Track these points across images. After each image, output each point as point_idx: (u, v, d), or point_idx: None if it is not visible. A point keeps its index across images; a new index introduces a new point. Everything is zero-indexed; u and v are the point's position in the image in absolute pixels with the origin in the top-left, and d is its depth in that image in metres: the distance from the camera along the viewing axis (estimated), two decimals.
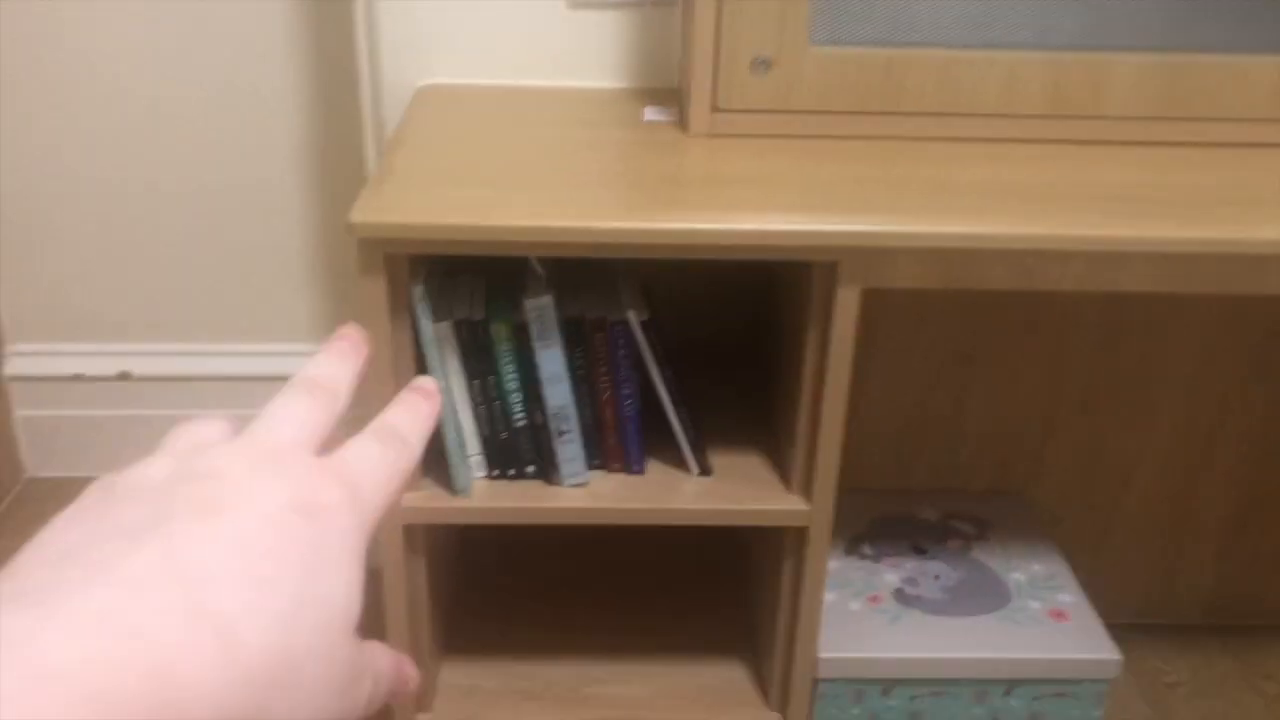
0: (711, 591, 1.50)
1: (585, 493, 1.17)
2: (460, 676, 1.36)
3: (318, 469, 0.33)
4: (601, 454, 1.19)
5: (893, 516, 1.49)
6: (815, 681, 1.25)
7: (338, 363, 0.38)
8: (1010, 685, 1.26)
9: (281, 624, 0.29)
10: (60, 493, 1.66)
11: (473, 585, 1.51)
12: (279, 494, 0.31)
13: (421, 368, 1.10)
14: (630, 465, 1.19)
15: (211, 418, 0.36)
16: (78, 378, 1.83)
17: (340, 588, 0.31)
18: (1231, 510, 1.56)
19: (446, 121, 1.27)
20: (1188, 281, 1.03)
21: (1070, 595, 1.34)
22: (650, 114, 1.30)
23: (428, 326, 1.07)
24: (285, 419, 0.35)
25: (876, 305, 1.43)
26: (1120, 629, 1.61)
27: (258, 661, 0.28)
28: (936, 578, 1.37)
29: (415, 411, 0.39)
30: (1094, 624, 1.29)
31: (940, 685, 1.26)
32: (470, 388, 1.12)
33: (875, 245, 1.02)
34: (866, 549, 1.42)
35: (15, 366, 1.83)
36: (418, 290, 1.05)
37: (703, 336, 1.50)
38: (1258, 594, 1.62)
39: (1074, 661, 1.25)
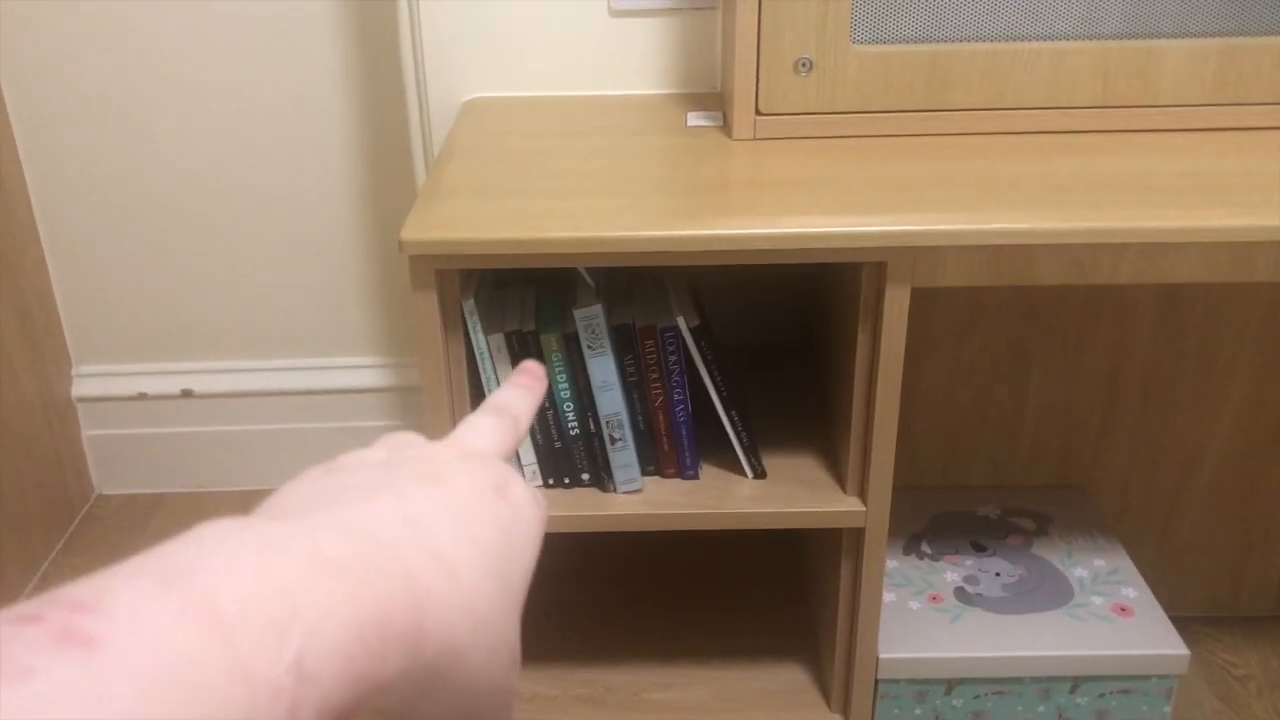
0: (770, 594, 1.50)
1: (640, 499, 1.17)
2: (520, 684, 1.37)
3: (508, 468, 0.38)
4: (656, 460, 1.20)
5: (952, 514, 1.47)
6: (877, 682, 1.25)
7: (520, 394, 0.43)
8: (1075, 682, 1.25)
9: (484, 576, 0.33)
10: (129, 509, 1.70)
11: (531, 593, 1.52)
12: (484, 478, 0.36)
13: (475, 380, 1.12)
14: (684, 470, 1.20)
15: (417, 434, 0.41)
16: (141, 396, 1.88)
17: (521, 566, 0.36)
18: None
19: (492, 134, 1.29)
20: (1244, 270, 1.02)
21: (1134, 589, 1.32)
22: (694, 119, 1.31)
23: (481, 339, 1.08)
24: (479, 430, 0.41)
25: (930, 300, 1.42)
26: (1187, 622, 1.59)
27: (471, 600, 0.31)
28: (997, 575, 1.36)
29: (528, 393, 0.44)
30: (1160, 618, 1.27)
31: (1004, 684, 1.25)
32: None
33: (923, 244, 1.01)
34: (925, 547, 1.42)
35: (81, 388, 1.88)
36: (469, 304, 1.06)
37: (753, 340, 1.50)
38: None
39: (1140, 658, 1.23)
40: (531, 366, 0.45)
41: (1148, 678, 1.24)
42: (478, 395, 1.13)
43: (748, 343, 1.49)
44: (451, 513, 0.33)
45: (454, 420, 1.11)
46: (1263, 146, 1.16)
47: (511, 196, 1.09)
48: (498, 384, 1.12)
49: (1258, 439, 1.49)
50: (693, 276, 1.35)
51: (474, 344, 1.08)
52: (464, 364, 1.10)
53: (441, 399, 1.09)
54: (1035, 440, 1.50)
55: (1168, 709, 1.26)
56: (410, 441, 0.39)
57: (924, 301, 1.42)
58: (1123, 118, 1.20)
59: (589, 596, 1.51)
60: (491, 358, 1.10)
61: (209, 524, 0.28)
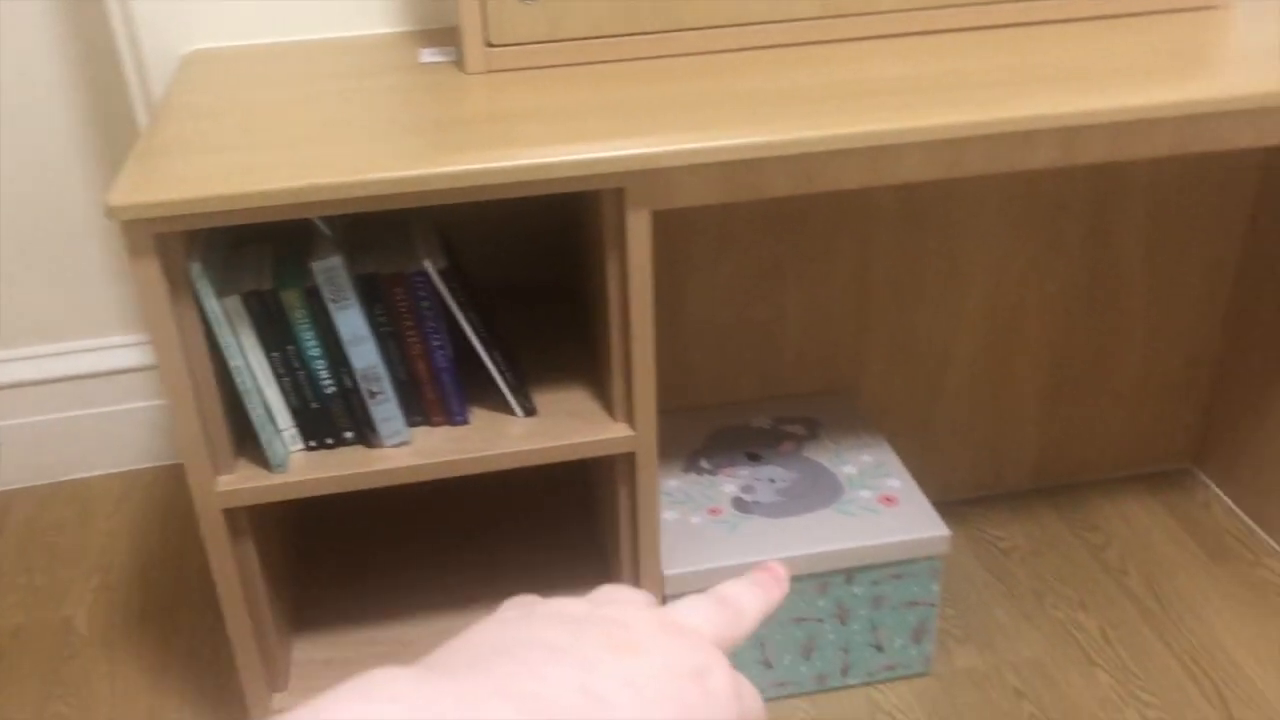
0: (560, 528, 1.51)
1: (409, 451, 1.15)
2: (315, 651, 1.34)
3: (716, 652, 0.34)
4: (422, 409, 1.18)
5: (727, 429, 1.51)
6: (664, 598, 1.28)
7: (751, 590, 0.39)
8: (850, 574, 1.31)
9: None
10: None
11: (319, 557, 1.48)
12: (683, 658, 0.33)
13: (217, 352, 1.07)
14: (453, 417, 1.18)
15: (637, 590, 0.38)
16: None
17: None
18: (1044, 379, 1.64)
19: (213, 87, 1.22)
20: (958, 166, 1.07)
21: (899, 480, 1.39)
22: (428, 56, 1.27)
23: (213, 304, 1.03)
24: (694, 610, 0.37)
25: (684, 224, 1.44)
26: (955, 505, 1.69)
27: None
28: (772, 481, 1.40)
29: (763, 590, 0.40)
30: (922, 504, 1.35)
31: None
32: (271, 360, 1.09)
33: (657, 166, 1.02)
34: (704, 464, 1.45)
35: None
36: (195, 267, 1.01)
37: (516, 277, 1.48)
38: (1077, 454, 1.71)
39: (906, 543, 1.30)
40: (773, 566, 0.41)
41: (915, 561, 1.32)
42: (222, 369, 1.07)
43: (512, 282, 1.48)
44: (635, 690, 0.31)
45: (198, 401, 1.06)
46: (973, 46, 1.22)
47: (234, 150, 1.04)
48: (240, 353, 1.07)
49: (1000, 328, 1.59)
50: (442, 219, 1.32)
51: (206, 310, 1.02)
52: (202, 333, 1.04)
53: (180, 374, 1.03)
54: (799, 350, 1.56)
55: (936, 587, 1.34)
56: (620, 598, 0.36)
57: (676, 225, 1.44)
58: (845, 26, 1.23)
59: (380, 554, 1.48)
60: (230, 322, 1.05)
61: (381, 674, 0.28)
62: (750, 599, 0.39)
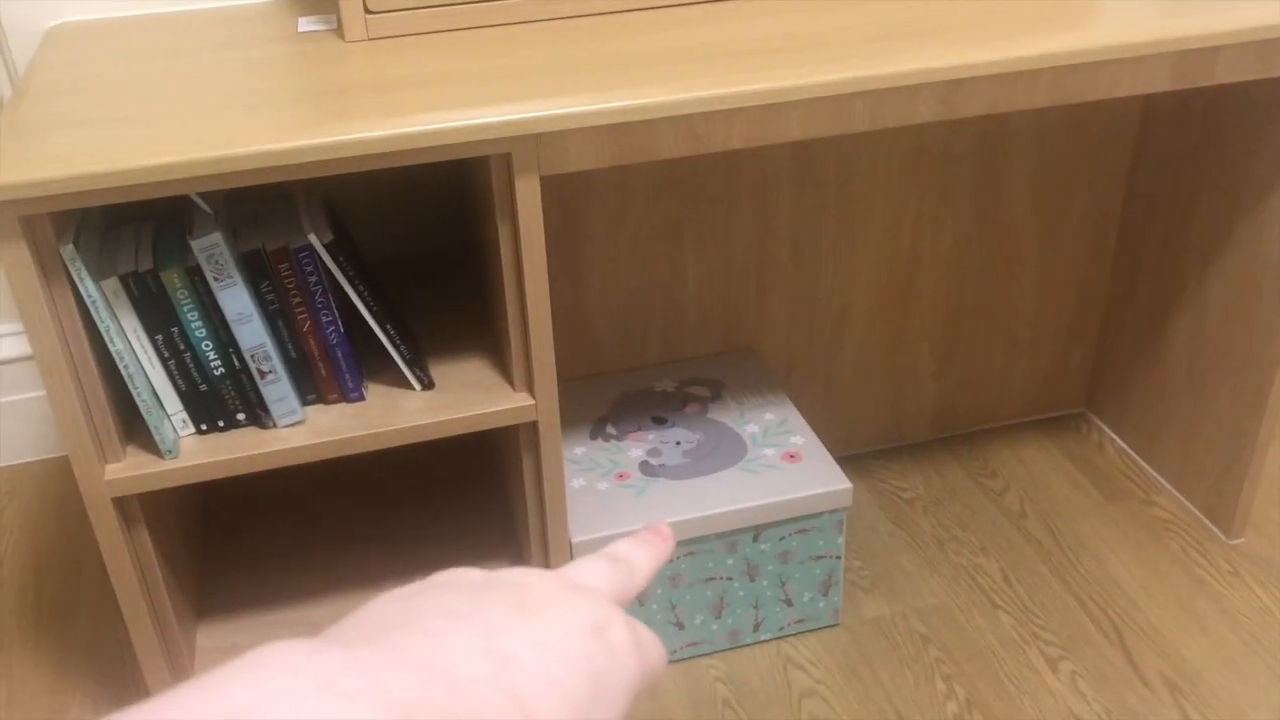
0: (469, 497, 1.50)
1: (304, 430, 1.13)
2: (219, 637, 1.32)
3: (614, 607, 0.35)
4: (316, 387, 1.15)
5: (633, 393, 1.51)
6: None
7: (642, 548, 0.40)
8: (757, 531, 1.32)
9: None
10: None
11: (222, 542, 1.45)
12: (584, 615, 0.33)
13: (97, 337, 1.03)
14: (348, 393, 1.16)
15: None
16: None
17: (612, 717, 0.32)
18: (940, 331, 1.67)
19: (81, 61, 1.17)
20: (845, 122, 1.07)
21: (801, 437, 1.41)
22: (306, 24, 1.24)
23: (90, 287, 0.99)
24: (590, 569, 0.38)
25: (581, 191, 1.43)
26: (859, 458, 1.72)
27: None
28: (678, 444, 1.41)
29: (651, 549, 0.41)
30: (824, 459, 1.36)
31: (692, 544, 1.31)
32: (155, 343, 1.06)
33: (544, 130, 1.00)
34: (610, 429, 1.45)
35: None
36: (68, 250, 0.97)
37: (411, 248, 1.46)
38: (974, 403, 1.75)
39: (810, 498, 1.32)
40: (660, 526, 0.42)
41: (819, 514, 1.33)
42: (103, 355, 1.04)
43: (407, 254, 1.46)
44: (539, 650, 0.31)
45: (79, 389, 1.02)
46: (854, 4, 1.22)
47: (104, 126, 1.00)
48: (121, 336, 1.03)
49: (896, 283, 1.61)
50: (331, 191, 1.29)
51: (82, 293, 0.99)
52: (79, 318, 1.00)
53: (58, 362, 0.99)
54: (701, 311, 1.56)
55: (841, 540, 1.36)
56: (516, 568, 0.37)
57: (572, 190, 1.42)
58: None
59: (281, 537, 1.46)
60: (108, 306, 1.02)
61: (274, 647, 0.27)
62: (640, 555, 0.40)
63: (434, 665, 0.29)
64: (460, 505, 1.49)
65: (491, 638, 0.30)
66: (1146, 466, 1.68)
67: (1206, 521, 1.58)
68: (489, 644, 0.30)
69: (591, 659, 0.32)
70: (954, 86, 1.08)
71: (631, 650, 0.34)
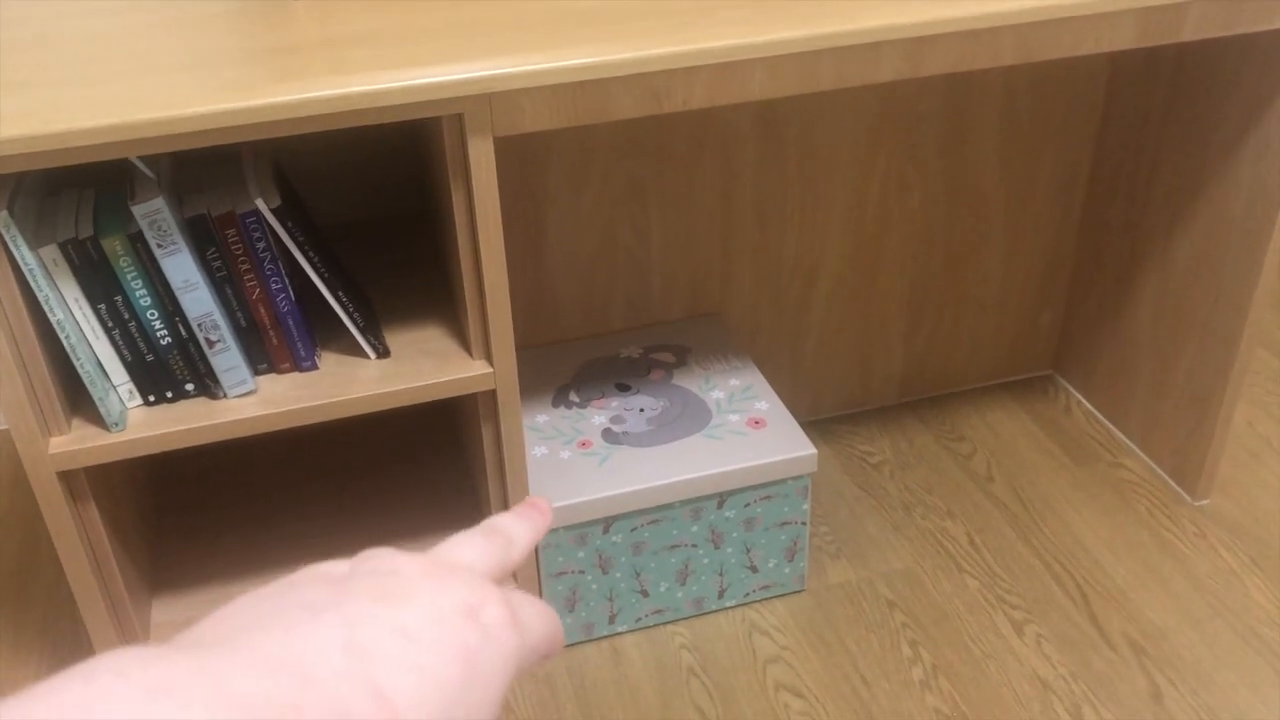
0: (429, 466, 1.48)
1: (255, 400, 1.10)
2: (173, 613, 1.29)
3: (488, 585, 0.34)
4: (267, 356, 1.12)
5: (597, 361, 1.49)
6: None
7: (519, 521, 0.40)
8: (721, 498, 1.31)
9: (436, 714, 0.29)
10: None
11: (176, 514, 1.42)
12: (454, 597, 0.32)
13: (37, 310, 0.99)
14: (300, 362, 1.13)
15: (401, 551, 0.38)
16: None
17: (488, 699, 0.31)
18: (908, 294, 1.65)
19: (12, 20, 1.12)
20: (810, 81, 1.05)
21: (766, 402, 1.39)
22: None
23: (26, 254, 0.96)
24: (462, 548, 0.37)
25: (541, 152, 1.40)
26: (826, 423, 1.71)
27: None
28: (641, 411, 1.39)
29: (529, 522, 0.41)
30: (789, 424, 1.35)
31: (656, 512, 1.29)
32: (98, 312, 1.02)
33: (496, 89, 0.97)
34: (574, 397, 1.43)
35: None
36: (3, 216, 0.93)
37: (366, 213, 1.43)
38: (942, 366, 1.74)
39: (774, 464, 1.30)
40: (538, 500, 0.42)
41: (784, 481, 1.32)
42: (43, 325, 1.01)
43: (362, 218, 1.42)
44: (402, 638, 0.30)
45: (19, 360, 0.99)
46: None
47: (38, 88, 0.96)
48: (62, 306, 1.00)
49: (863, 245, 1.59)
50: (281, 154, 1.26)
51: (19, 261, 0.95)
52: (15, 287, 0.97)
53: None
54: (665, 275, 1.54)
55: (806, 506, 1.35)
56: (382, 554, 0.35)
57: (532, 151, 1.39)
58: None
59: (237, 509, 1.43)
60: (47, 274, 0.98)
61: (109, 655, 0.26)
62: (518, 528, 0.39)
63: (285, 663, 0.28)
64: (420, 474, 1.47)
65: (351, 629, 0.29)
66: (1113, 429, 1.68)
67: (1173, 484, 1.58)
68: (349, 635, 0.29)
69: (463, 642, 0.31)
70: (919, 44, 1.06)
71: (507, 628, 0.33)
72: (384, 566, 0.32)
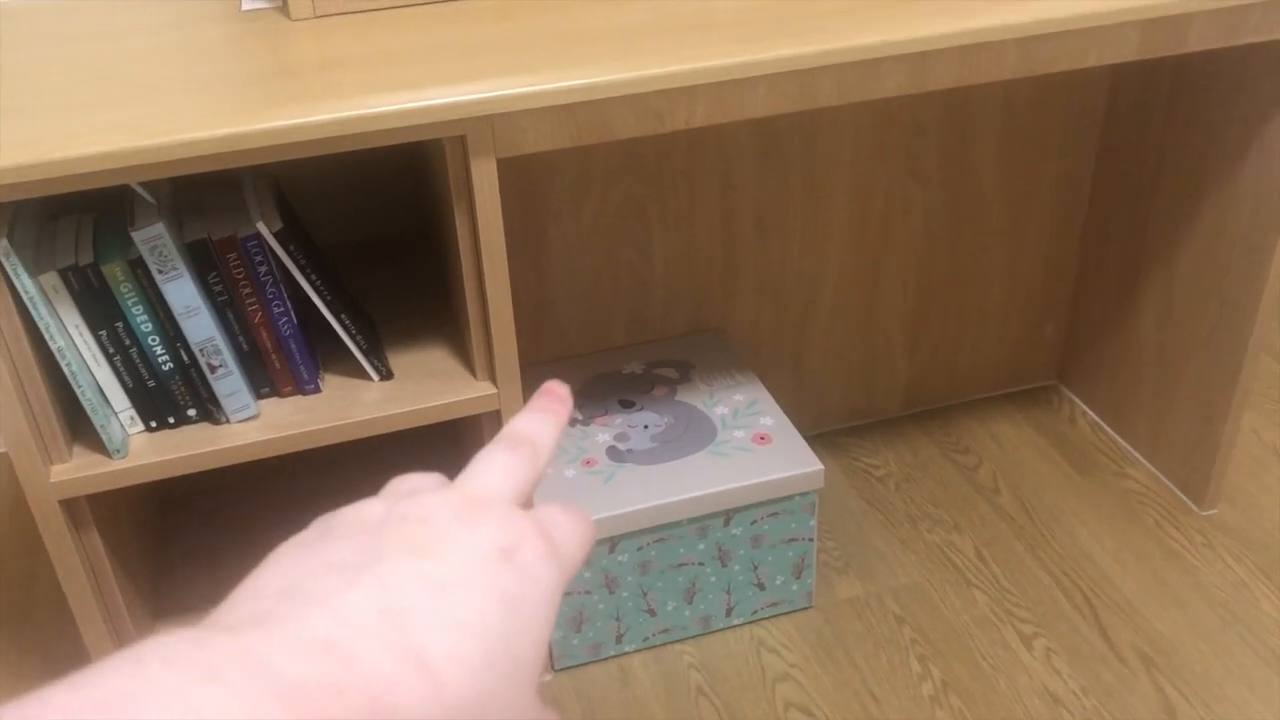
0: None
1: (257, 425, 1.09)
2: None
3: (522, 519, 0.33)
4: (269, 380, 1.12)
5: (599, 377, 1.48)
6: None
7: (539, 420, 0.39)
8: (728, 516, 1.30)
9: (477, 670, 0.29)
10: None
11: (179, 539, 1.41)
12: (484, 540, 0.31)
13: (37, 335, 0.99)
14: (303, 386, 1.12)
15: (428, 473, 0.37)
16: None
17: (533, 640, 0.31)
18: (911, 306, 1.65)
19: (13, 44, 1.12)
20: (810, 97, 1.04)
21: (771, 418, 1.38)
22: (250, 3, 1.19)
23: (26, 282, 0.95)
24: (490, 471, 0.36)
25: (542, 171, 1.39)
26: (831, 435, 1.70)
27: (455, 703, 0.28)
28: (645, 427, 1.38)
29: (551, 416, 0.39)
30: (795, 440, 1.34)
31: (662, 531, 1.28)
32: (99, 339, 1.02)
33: (497, 111, 0.97)
34: (576, 414, 1.42)
35: None
36: (1, 244, 0.93)
37: (368, 235, 1.42)
38: (944, 376, 1.73)
39: (781, 480, 1.29)
40: (553, 387, 0.40)
41: (790, 497, 1.31)
42: (45, 357, 1.00)
43: (364, 240, 1.42)
44: (439, 594, 0.29)
45: (20, 388, 0.98)
46: None
47: (37, 114, 0.95)
48: (62, 333, 0.99)
49: (865, 257, 1.58)
50: (282, 177, 1.25)
51: (18, 288, 0.94)
52: (15, 315, 0.96)
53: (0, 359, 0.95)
54: (668, 291, 1.53)
55: (813, 522, 1.34)
56: (413, 488, 0.35)
57: (533, 170, 1.39)
58: None
59: (240, 533, 1.42)
60: (47, 301, 0.97)
61: (154, 640, 0.26)
62: (540, 428, 0.38)
63: (326, 641, 0.27)
64: None
65: (387, 592, 0.29)
66: (1119, 439, 1.67)
67: (1179, 493, 1.57)
68: (385, 600, 0.29)
69: (501, 589, 0.31)
70: (920, 60, 1.05)
71: (545, 562, 0.32)
72: (415, 513, 0.32)
